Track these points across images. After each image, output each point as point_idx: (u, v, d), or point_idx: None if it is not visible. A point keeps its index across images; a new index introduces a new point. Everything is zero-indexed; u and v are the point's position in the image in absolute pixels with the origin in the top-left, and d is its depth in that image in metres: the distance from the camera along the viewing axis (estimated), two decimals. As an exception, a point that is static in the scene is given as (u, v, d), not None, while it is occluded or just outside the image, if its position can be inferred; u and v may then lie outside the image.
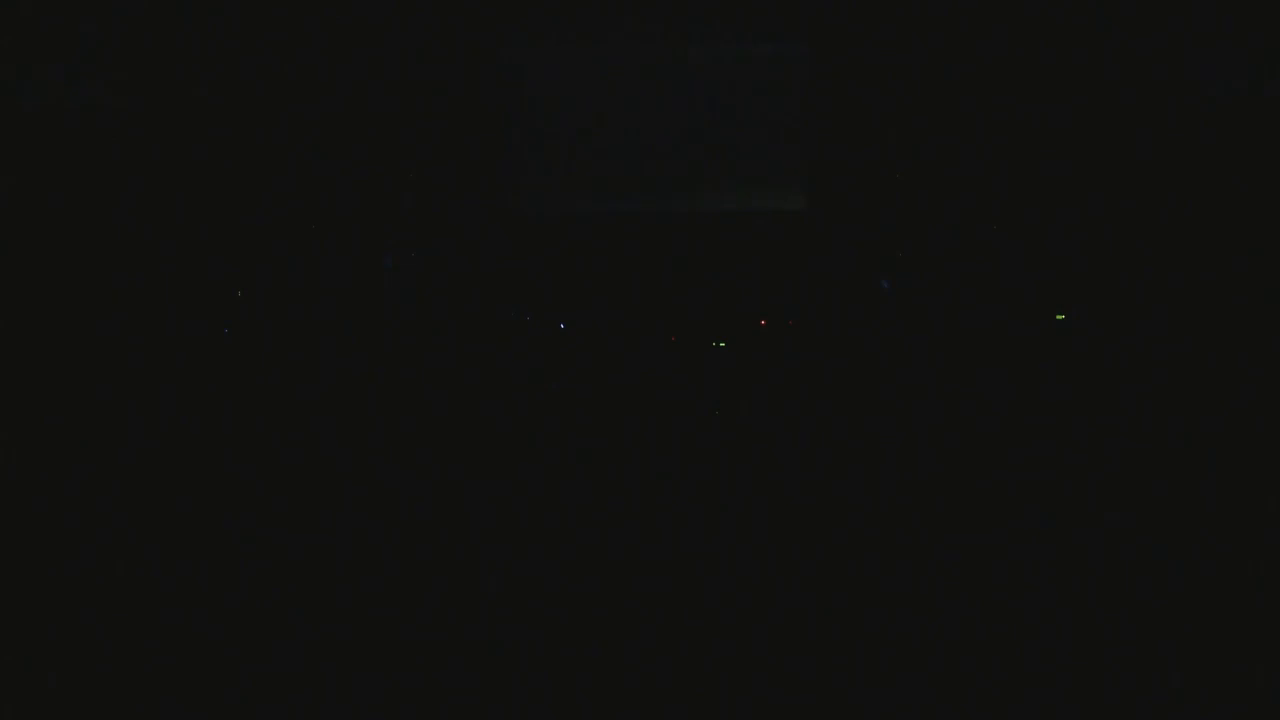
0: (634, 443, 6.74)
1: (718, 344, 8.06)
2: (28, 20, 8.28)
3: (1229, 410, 6.47)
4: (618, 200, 9.20)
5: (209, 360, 7.38)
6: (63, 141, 8.28)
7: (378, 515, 5.34)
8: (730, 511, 5.50)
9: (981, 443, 6.44)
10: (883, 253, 8.23)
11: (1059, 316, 7.72)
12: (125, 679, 3.84)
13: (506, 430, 6.82)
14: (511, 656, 4.02)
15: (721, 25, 9.09)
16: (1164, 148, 8.23)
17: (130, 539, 4.99)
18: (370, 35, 8.74)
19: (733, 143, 9.15)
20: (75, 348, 7.34)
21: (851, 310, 7.99)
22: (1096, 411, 6.72)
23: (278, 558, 4.81)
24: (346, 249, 8.28)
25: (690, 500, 5.66)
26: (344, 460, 6.19)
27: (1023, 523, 5.22)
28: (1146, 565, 4.73)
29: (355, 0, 8.68)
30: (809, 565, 4.83)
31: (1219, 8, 8.26)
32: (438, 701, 3.77)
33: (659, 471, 6.13)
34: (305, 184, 8.46)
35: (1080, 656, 4.00)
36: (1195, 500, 5.40)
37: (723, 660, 4.02)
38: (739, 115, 9.16)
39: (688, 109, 9.19)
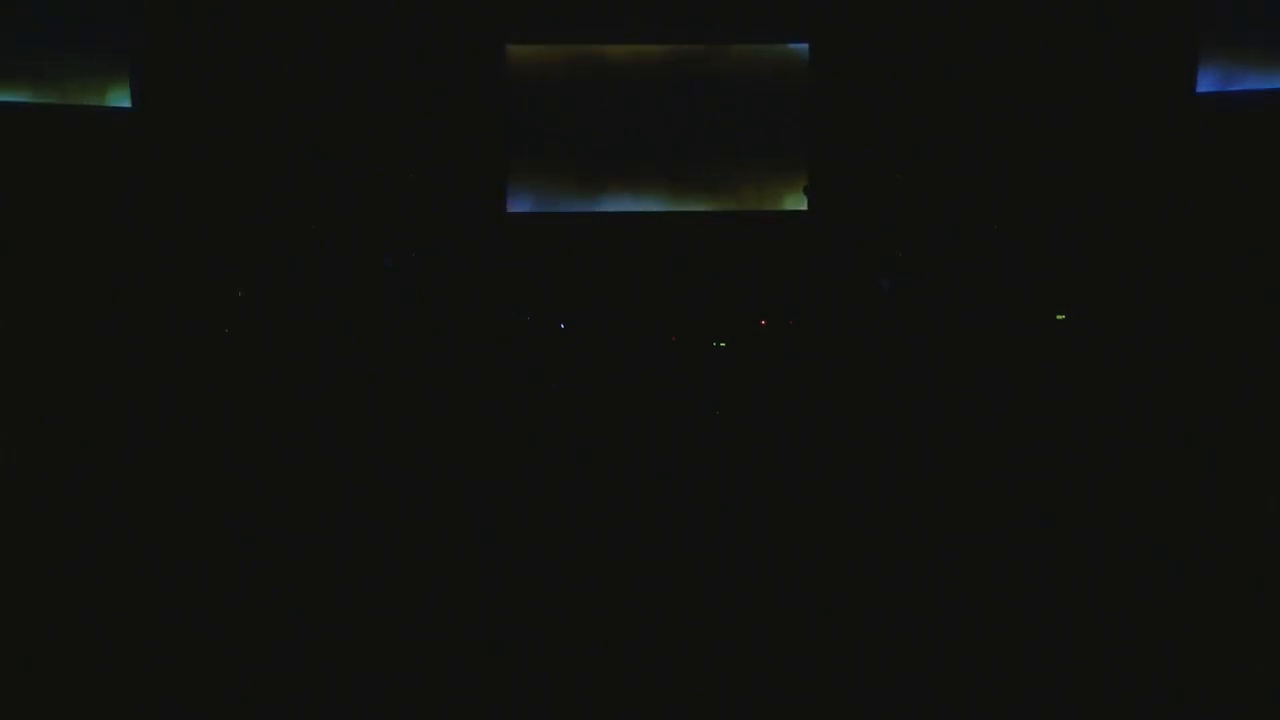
0: (634, 443, 6.73)
1: (718, 344, 8.06)
2: (28, 21, 8.28)
3: (1229, 410, 6.47)
4: (617, 200, 9.20)
5: (209, 360, 7.37)
6: (63, 141, 8.28)
7: (378, 515, 5.33)
8: (730, 511, 5.50)
9: (981, 443, 6.44)
10: (883, 253, 8.23)
11: (1059, 316, 7.72)
12: (125, 679, 3.84)
13: (506, 430, 6.82)
14: (511, 656, 4.01)
15: (721, 25, 9.09)
16: (1164, 148, 8.23)
17: (130, 539, 4.98)
18: (370, 35, 8.74)
19: (733, 143, 9.15)
20: (75, 348, 7.33)
21: (851, 310, 7.99)
22: (1096, 411, 6.71)
23: (278, 558, 4.81)
24: (346, 249, 8.28)
25: (690, 500, 5.65)
26: (344, 460, 6.19)
27: (1023, 523, 5.21)
28: (1146, 565, 4.73)
29: (355, 0, 8.68)
30: (809, 565, 4.83)
31: (1217, 8, 8.26)
32: (438, 701, 3.77)
33: (659, 471, 6.13)
34: (305, 184, 8.46)
35: (1080, 656, 4.00)
36: (1195, 500, 5.39)
37: (723, 660, 4.02)
38: (739, 115, 9.17)
39: (688, 109, 9.19)
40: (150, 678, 3.89)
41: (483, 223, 8.63)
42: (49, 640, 4.10)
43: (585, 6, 8.91)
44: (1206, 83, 8.22)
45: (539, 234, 8.79)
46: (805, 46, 8.95)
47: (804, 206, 8.77)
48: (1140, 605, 4.42)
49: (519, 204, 8.94)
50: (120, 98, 8.39)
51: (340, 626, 4.25)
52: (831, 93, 8.76)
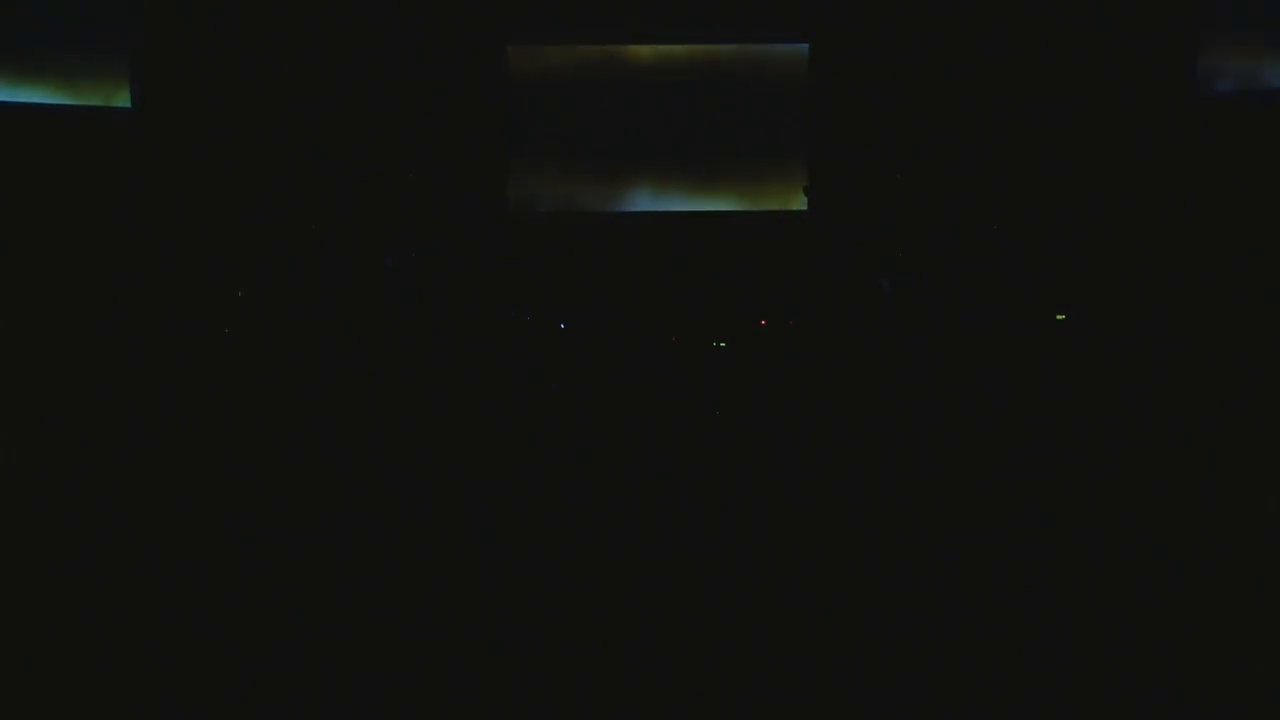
0: (634, 443, 6.73)
1: (718, 344, 8.06)
2: (28, 20, 8.27)
3: (1229, 410, 6.46)
4: (618, 200, 9.19)
5: (209, 360, 7.37)
6: (63, 141, 8.27)
7: (378, 515, 5.33)
8: (730, 511, 5.50)
9: (981, 443, 6.44)
10: (883, 253, 8.22)
11: (1059, 316, 7.72)
12: (125, 679, 3.84)
13: (506, 430, 6.82)
14: (512, 656, 4.01)
15: (721, 25, 9.08)
16: (1164, 148, 8.22)
17: (130, 539, 4.99)
18: (370, 35, 8.73)
19: (732, 143, 9.15)
20: (75, 348, 7.33)
21: (851, 310, 7.98)
22: (1096, 411, 6.71)
23: (278, 558, 4.82)
24: (346, 249, 8.27)
25: (690, 500, 5.65)
26: (344, 460, 6.19)
27: (1023, 523, 5.21)
28: (1146, 565, 4.73)
29: (355, 0, 8.68)
30: (809, 565, 4.84)
31: (1218, 8, 8.26)
32: (438, 701, 3.77)
33: (659, 471, 6.13)
34: (305, 184, 8.46)
35: (1080, 656, 4.00)
36: (1195, 500, 5.39)
37: (723, 660, 4.02)
38: (739, 115, 9.16)
39: (687, 109, 9.19)
40: (150, 678, 3.89)
41: (483, 223, 8.63)
42: (49, 640, 4.10)
43: (586, 7, 8.90)
44: (1206, 83, 8.22)
45: (539, 234, 8.79)
46: (805, 46, 8.94)
47: (804, 206, 8.76)
48: (1140, 605, 4.42)
49: (519, 204, 8.93)
50: (120, 98, 8.38)
51: (340, 626, 4.25)
52: (831, 93, 8.75)
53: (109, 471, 5.85)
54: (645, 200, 9.01)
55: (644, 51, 9.01)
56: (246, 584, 4.58)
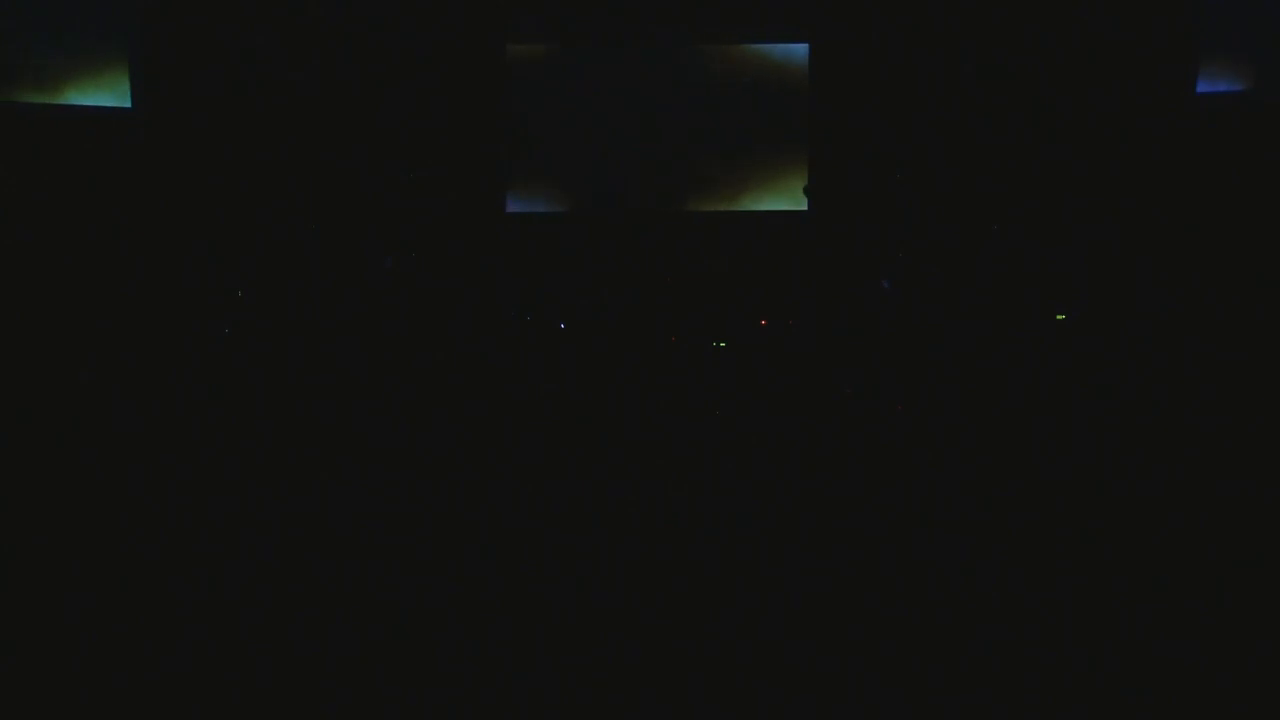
0: (634, 443, 6.73)
1: (718, 344, 8.06)
2: (29, 20, 8.28)
3: (1229, 410, 6.47)
4: (617, 200, 9.20)
5: (209, 360, 7.37)
6: (63, 141, 8.28)
7: (378, 515, 5.34)
8: (730, 511, 5.50)
9: (982, 443, 6.44)
10: (883, 253, 8.23)
11: (1059, 316, 7.72)
12: (125, 679, 3.84)
13: (506, 430, 6.82)
14: (512, 656, 4.02)
15: (721, 25, 9.09)
16: (1164, 148, 8.23)
17: (130, 539, 4.99)
18: (370, 35, 8.73)
19: (733, 143, 9.15)
20: (75, 348, 7.33)
21: (851, 310, 7.98)
22: (1096, 411, 6.71)
23: (278, 558, 4.82)
24: (346, 249, 8.28)
25: (691, 500, 5.66)
26: (344, 460, 6.19)
27: (1023, 523, 5.22)
28: (1146, 565, 4.74)
29: (355, 0, 8.68)
30: (809, 565, 4.84)
31: (1218, 9, 8.26)
32: (438, 701, 3.77)
33: (659, 471, 6.13)
34: (305, 184, 8.46)
35: (1080, 656, 4.01)
36: (1195, 500, 5.40)
37: (722, 660, 4.03)
38: (739, 115, 9.16)
39: (688, 109, 9.19)
40: (150, 678, 3.89)
41: (483, 223, 8.63)
42: (49, 640, 4.11)
43: (585, 6, 8.90)
44: (1205, 83, 8.23)
45: (539, 234, 8.79)
46: (805, 46, 8.94)
47: (804, 206, 8.77)
48: (1140, 605, 4.42)
49: (518, 204, 8.94)
50: (120, 98, 8.39)
51: (340, 626, 4.25)
52: (831, 93, 8.76)
53: (109, 471, 5.86)
54: (645, 200, 9.00)
55: (644, 51, 9.01)
56: (247, 584, 4.59)
